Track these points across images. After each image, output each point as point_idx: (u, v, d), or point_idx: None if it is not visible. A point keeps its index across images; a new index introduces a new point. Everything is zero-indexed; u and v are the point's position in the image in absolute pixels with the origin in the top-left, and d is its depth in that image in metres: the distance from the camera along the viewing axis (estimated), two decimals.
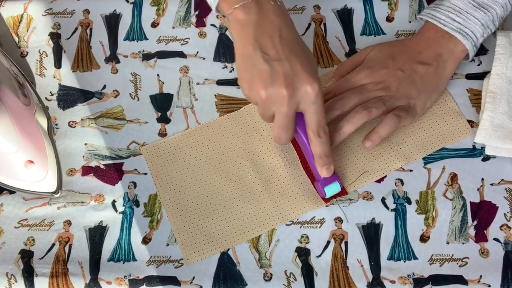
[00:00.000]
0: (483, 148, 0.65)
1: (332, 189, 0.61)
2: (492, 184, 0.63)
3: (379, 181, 0.64)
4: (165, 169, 0.65)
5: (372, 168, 0.64)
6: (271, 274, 0.60)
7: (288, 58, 0.56)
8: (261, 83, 0.55)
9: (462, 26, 0.65)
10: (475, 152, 0.65)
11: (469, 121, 0.67)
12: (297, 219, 0.62)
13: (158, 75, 0.71)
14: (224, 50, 0.73)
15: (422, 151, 0.65)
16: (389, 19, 0.74)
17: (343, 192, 0.62)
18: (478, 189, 0.63)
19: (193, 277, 0.60)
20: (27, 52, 0.74)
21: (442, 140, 0.66)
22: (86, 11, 0.76)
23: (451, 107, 0.67)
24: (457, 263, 0.60)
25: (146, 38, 0.74)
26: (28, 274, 0.61)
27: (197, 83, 0.71)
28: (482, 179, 0.64)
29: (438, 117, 0.67)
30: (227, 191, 0.64)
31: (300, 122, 0.58)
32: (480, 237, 0.61)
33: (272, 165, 0.65)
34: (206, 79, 0.71)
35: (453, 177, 0.64)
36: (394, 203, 0.63)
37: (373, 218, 0.62)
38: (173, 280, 0.60)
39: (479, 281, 0.59)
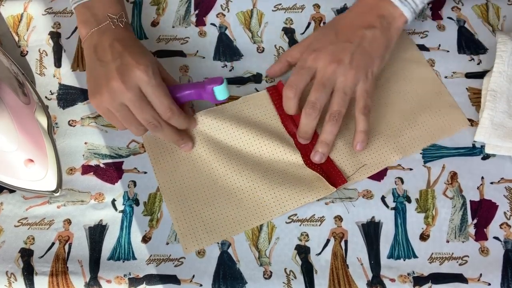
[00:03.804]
0: (482, 146, 0.65)
1: (222, 90, 0.62)
2: (492, 183, 0.64)
3: (379, 179, 0.64)
4: (165, 158, 0.66)
5: (371, 162, 0.64)
6: (271, 272, 0.60)
7: (121, 55, 0.60)
8: (102, 83, 0.59)
9: None
10: (475, 150, 0.65)
11: (469, 120, 0.67)
12: (297, 217, 0.62)
13: None
14: (224, 49, 0.73)
15: (420, 144, 0.65)
16: None
17: (343, 180, 0.63)
18: (478, 188, 0.63)
19: (193, 276, 0.60)
20: (27, 51, 0.74)
21: (439, 133, 0.66)
22: None
23: (447, 100, 0.68)
24: (457, 262, 0.60)
25: (146, 37, 0.74)
26: (28, 272, 0.61)
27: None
28: (482, 178, 0.64)
29: (434, 110, 0.67)
30: (226, 181, 0.64)
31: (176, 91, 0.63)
32: (480, 235, 0.61)
33: (272, 156, 0.65)
34: (205, 78, 0.71)
35: (453, 176, 0.64)
36: (394, 201, 0.63)
37: (373, 217, 0.62)
38: (173, 278, 0.60)
39: (479, 280, 0.59)
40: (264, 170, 0.64)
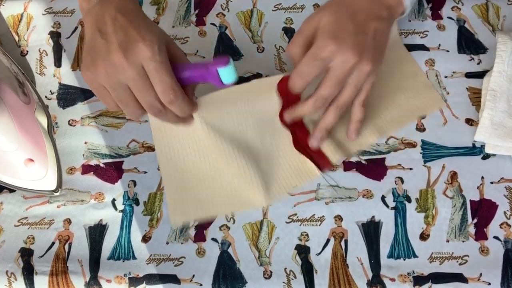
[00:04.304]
0: (482, 146, 0.65)
1: (228, 73, 0.56)
2: (492, 183, 0.63)
3: (378, 179, 0.64)
4: (166, 132, 0.66)
5: (349, 144, 0.65)
6: (271, 272, 0.60)
7: (124, 29, 0.54)
8: (99, 56, 0.53)
9: None
10: (475, 150, 0.65)
11: (469, 120, 0.67)
12: (297, 217, 0.62)
13: None
14: (224, 49, 0.73)
15: (397, 124, 0.66)
16: None
17: (328, 164, 0.64)
18: (478, 188, 0.63)
19: (193, 275, 0.60)
20: (27, 51, 0.74)
21: (415, 113, 0.67)
22: None
23: (423, 81, 0.69)
24: (457, 261, 0.60)
25: None
26: (28, 272, 0.61)
27: None
28: (482, 178, 0.64)
29: (410, 91, 0.68)
30: (222, 161, 0.63)
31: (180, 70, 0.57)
32: (480, 235, 0.61)
33: (263, 141, 0.64)
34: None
35: (453, 176, 0.64)
36: (394, 201, 0.63)
37: (373, 216, 0.62)
38: (173, 278, 0.60)
39: (479, 279, 0.59)
40: (255, 156, 0.63)
